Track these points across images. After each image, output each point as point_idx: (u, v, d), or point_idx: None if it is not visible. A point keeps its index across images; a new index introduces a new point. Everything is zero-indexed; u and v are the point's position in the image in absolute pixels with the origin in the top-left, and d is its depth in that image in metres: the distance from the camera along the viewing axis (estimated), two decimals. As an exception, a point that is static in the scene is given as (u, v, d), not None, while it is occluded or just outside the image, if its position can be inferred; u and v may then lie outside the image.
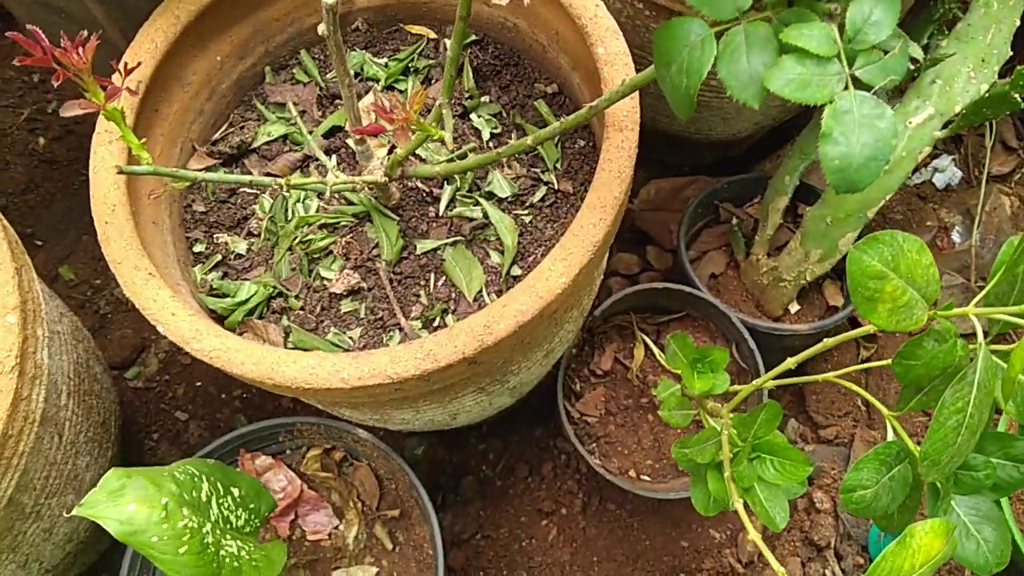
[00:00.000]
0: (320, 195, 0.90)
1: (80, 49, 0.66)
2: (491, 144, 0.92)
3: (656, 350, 1.04)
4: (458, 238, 0.86)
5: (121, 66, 0.70)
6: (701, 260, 1.13)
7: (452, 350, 0.70)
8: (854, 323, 1.17)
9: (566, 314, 0.82)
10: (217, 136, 0.92)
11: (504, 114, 0.94)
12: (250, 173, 0.91)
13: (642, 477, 0.99)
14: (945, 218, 1.24)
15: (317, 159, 0.91)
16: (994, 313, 0.57)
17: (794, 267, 1.04)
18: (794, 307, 1.08)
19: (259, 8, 0.90)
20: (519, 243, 0.86)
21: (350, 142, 0.90)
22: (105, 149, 0.79)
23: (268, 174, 0.90)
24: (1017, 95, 0.86)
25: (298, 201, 0.89)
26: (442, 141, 0.88)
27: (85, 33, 0.65)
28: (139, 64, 0.77)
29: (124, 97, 0.79)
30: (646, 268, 1.27)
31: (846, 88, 0.50)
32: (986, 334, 0.56)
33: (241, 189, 0.90)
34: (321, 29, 0.78)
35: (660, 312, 1.07)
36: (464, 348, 0.70)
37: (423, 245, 0.86)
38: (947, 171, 1.25)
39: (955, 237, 1.22)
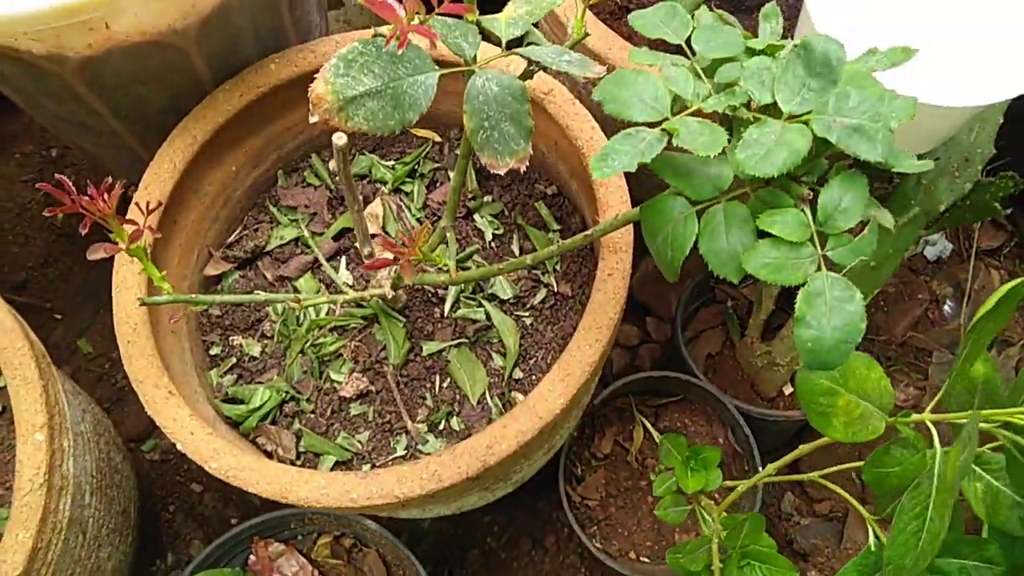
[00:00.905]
0: (330, 286, 0.94)
1: (105, 196, 0.70)
2: (493, 245, 0.96)
3: (655, 433, 1.08)
4: (462, 340, 0.90)
5: (144, 205, 0.75)
6: (698, 339, 1.17)
7: (456, 471, 0.74)
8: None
9: (566, 422, 0.85)
10: (232, 239, 0.97)
11: (506, 213, 0.98)
12: (264, 276, 0.95)
13: (642, 559, 1.03)
14: (937, 290, 1.28)
15: (330, 259, 0.96)
16: (949, 419, 0.61)
17: (787, 352, 1.08)
18: (788, 389, 1.11)
19: (271, 120, 0.94)
20: (520, 345, 0.90)
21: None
22: (127, 269, 0.83)
23: (281, 277, 0.95)
24: (996, 203, 0.90)
25: (311, 305, 0.93)
26: (436, 302, 0.92)
27: (110, 179, 0.70)
28: (159, 205, 0.82)
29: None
30: (645, 339, 1.30)
31: (819, 269, 0.54)
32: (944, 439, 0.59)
33: (254, 292, 0.94)
34: (332, 165, 0.83)
35: (658, 395, 1.11)
36: (467, 469, 0.74)
37: (429, 347, 0.90)
38: (938, 244, 1.29)
39: (947, 310, 1.26)
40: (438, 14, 0.53)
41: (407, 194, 0.99)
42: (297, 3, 0.95)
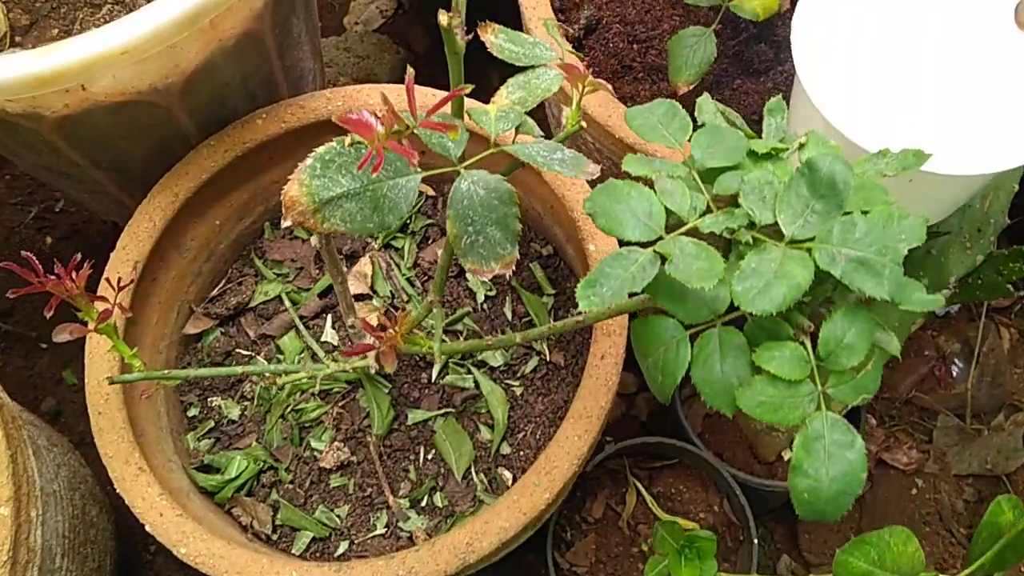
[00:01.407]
0: (313, 356, 0.91)
1: (73, 275, 0.67)
2: (485, 307, 0.93)
3: (648, 497, 1.05)
4: (449, 409, 0.87)
5: (114, 280, 0.71)
6: (696, 397, 1.14)
7: (434, 568, 0.70)
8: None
9: (552, 510, 0.82)
10: (215, 293, 0.93)
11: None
12: (246, 334, 0.92)
13: (629, 630, 1.00)
14: (944, 347, 1.24)
15: (315, 317, 0.92)
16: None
17: (787, 418, 1.04)
18: (787, 454, 1.08)
19: (258, 174, 0.91)
20: (509, 417, 0.87)
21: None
22: (99, 337, 0.79)
23: (264, 335, 0.91)
24: (1009, 284, 0.86)
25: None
26: (423, 367, 0.88)
27: (79, 257, 0.67)
28: (131, 281, 0.78)
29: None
30: (643, 388, 1.27)
31: (818, 408, 0.50)
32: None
33: (236, 351, 0.91)
34: (314, 242, 0.79)
35: (653, 458, 1.08)
36: (446, 567, 0.70)
37: (414, 416, 0.87)
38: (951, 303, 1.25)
39: (954, 370, 1.22)
40: (419, 127, 0.49)
41: (397, 250, 0.95)
42: (287, 52, 0.91)
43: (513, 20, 0.88)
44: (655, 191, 0.54)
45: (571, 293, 0.93)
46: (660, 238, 0.52)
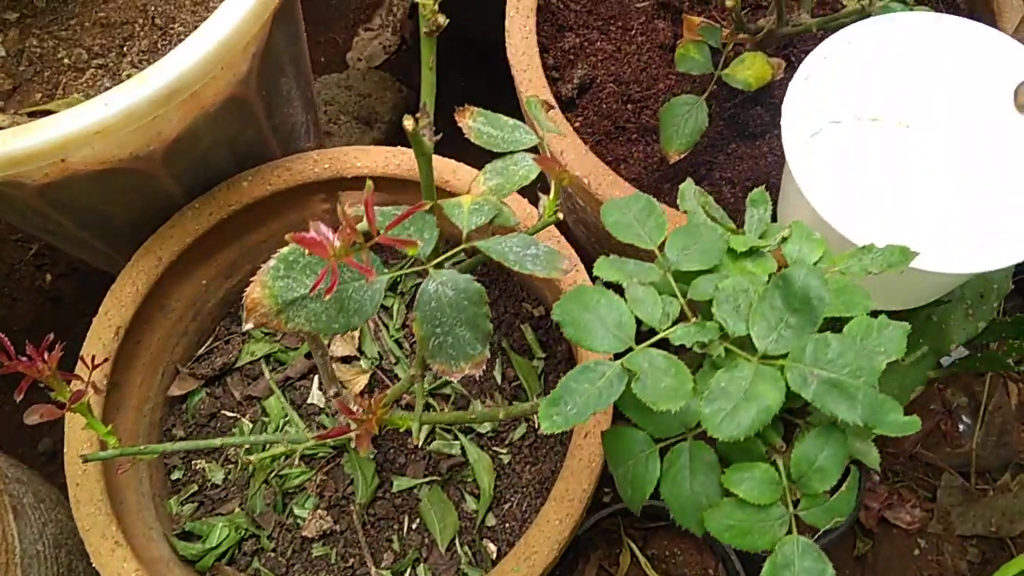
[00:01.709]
0: (299, 415, 0.90)
1: (45, 355, 0.66)
2: (474, 370, 0.91)
3: (643, 559, 1.03)
4: (435, 477, 0.86)
5: (96, 348, 0.71)
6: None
7: (408, 656, 0.69)
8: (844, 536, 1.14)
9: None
10: (201, 352, 0.93)
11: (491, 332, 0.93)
12: (232, 395, 0.91)
13: None
14: (951, 400, 1.21)
15: (302, 378, 0.91)
16: None
17: (784, 480, 1.02)
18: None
19: (245, 233, 0.90)
20: (496, 487, 0.85)
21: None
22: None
23: (250, 396, 0.90)
24: (1010, 359, 0.84)
25: (277, 429, 0.89)
26: (409, 432, 0.87)
27: (51, 337, 0.66)
28: (105, 359, 0.77)
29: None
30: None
31: (789, 532, 0.48)
32: None
33: (221, 412, 0.90)
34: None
35: (648, 518, 1.06)
36: (420, 654, 0.69)
37: (399, 483, 0.85)
38: (954, 351, 1.22)
39: (960, 425, 1.19)
40: (376, 244, 0.48)
41: (386, 310, 0.94)
42: (276, 111, 0.90)
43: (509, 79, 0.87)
44: (626, 298, 0.52)
45: (562, 356, 0.91)
46: (630, 349, 0.50)
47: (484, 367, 0.56)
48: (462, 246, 0.57)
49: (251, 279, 0.53)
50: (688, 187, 0.63)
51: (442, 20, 0.49)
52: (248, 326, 0.53)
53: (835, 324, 0.54)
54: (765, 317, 0.50)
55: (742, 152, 0.87)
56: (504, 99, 0.82)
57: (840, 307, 0.55)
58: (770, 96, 0.88)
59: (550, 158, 0.58)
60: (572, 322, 0.51)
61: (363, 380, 0.89)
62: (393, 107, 1.41)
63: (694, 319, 0.53)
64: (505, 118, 0.64)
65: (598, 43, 0.94)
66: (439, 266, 0.55)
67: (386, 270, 0.54)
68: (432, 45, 0.51)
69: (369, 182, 0.48)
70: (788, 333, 0.49)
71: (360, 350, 0.91)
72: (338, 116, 1.39)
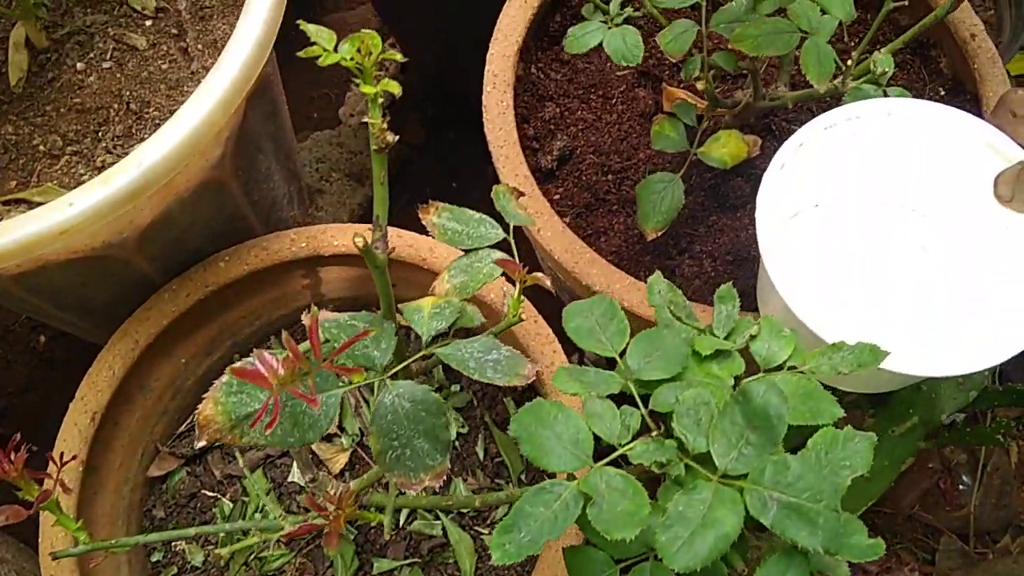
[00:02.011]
0: (280, 494, 0.89)
1: (12, 456, 0.66)
2: (457, 444, 0.90)
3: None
4: (415, 560, 0.84)
5: (57, 456, 0.70)
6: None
7: None
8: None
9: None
10: (182, 430, 0.92)
11: (475, 403, 0.92)
12: (212, 473, 0.90)
13: None
14: (950, 457, 1.19)
15: (283, 455, 0.91)
16: None
17: None
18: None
19: (225, 310, 0.89)
20: (477, 569, 0.84)
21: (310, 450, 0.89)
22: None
23: (231, 475, 0.90)
24: (999, 435, 0.82)
25: (257, 510, 0.88)
26: (381, 525, 0.86)
27: (18, 436, 0.65)
28: (74, 457, 0.77)
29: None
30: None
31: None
32: None
33: (201, 492, 0.89)
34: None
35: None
36: None
37: (380, 565, 0.84)
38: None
39: (959, 484, 1.17)
40: (322, 370, 0.47)
41: (367, 384, 0.93)
42: (255, 188, 0.90)
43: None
44: (584, 413, 0.51)
45: (545, 431, 0.90)
46: (589, 467, 0.49)
47: (445, 477, 0.55)
48: (421, 353, 0.56)
49: (204, 395, 0.52)
50: (656, 281, 0.62)
51: (391, 138, 0.48)
52: (201, 444, 0.52)
53: (801, 432, 0.53)
54: (726, 433, 0.49)
55: (723, 224, 0.86)
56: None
57: (806, 414, 0.53)
58: (751, 167, 0.87)
59: (511, 261, 0.57)
60: (528, 439, 0.50)
61: (343, 459, 0.89)
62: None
63: (656, 431, 0.52)
64: (471, 212, 0.63)
65: (579, 112, 0.94)
66: (396, 375, 0.54)
67: (340, 382, 0.53)
68: (382, 161, 0.50)
69: (314, 308, 0.47)
70: (749, 451, 0.48)
71: (341, 427, 0.90)
72: (330, 173, 1.39)
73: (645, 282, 0.80)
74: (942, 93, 0.89)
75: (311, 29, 0.46)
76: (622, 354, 0.55)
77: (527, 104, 0.93)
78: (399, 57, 0.47)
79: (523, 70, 0.94)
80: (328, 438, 0.90)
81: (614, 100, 0.94)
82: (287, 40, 1.52)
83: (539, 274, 0.58)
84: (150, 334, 0.83)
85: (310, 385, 0.46)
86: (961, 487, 1.18)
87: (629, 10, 0.72)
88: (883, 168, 0.71)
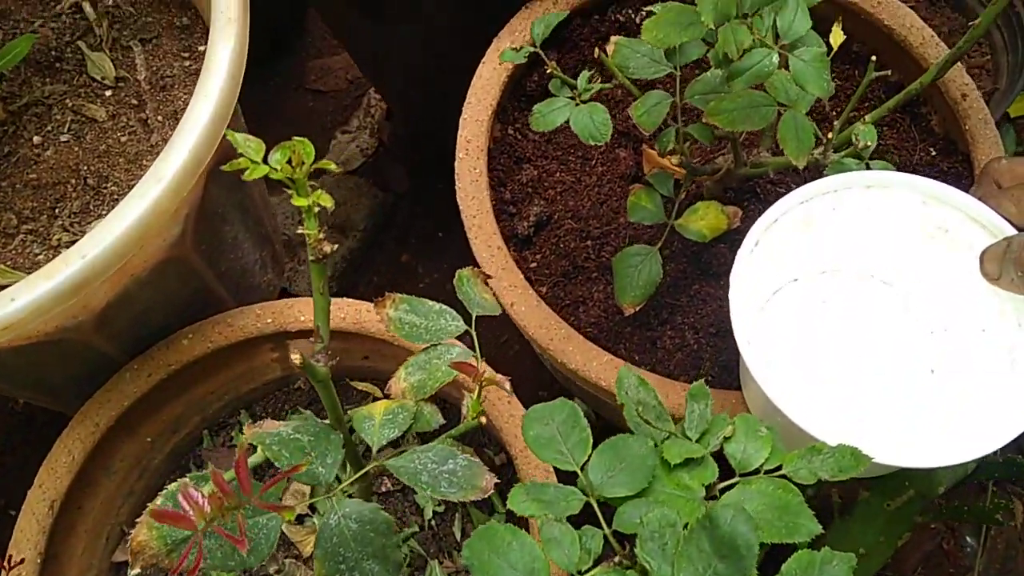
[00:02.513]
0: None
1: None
2: (433, 524, 0.87)
3: None
4: (389, 648, 0.81)
5: (14, 551, 0.67)
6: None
7: None
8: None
9: None
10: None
11: (452, 478, 0.89)
12: (180, 556, 0.86)
13: None
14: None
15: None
16: None
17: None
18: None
19: (191, 387, 0.86)
20: (453, 657, 0.80)
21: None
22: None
23: (198, 558, 0.86)
24: (998, 516, 0.78)
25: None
26: None
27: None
28: (22, 560, 0.74)
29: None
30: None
31: None
32: None
33: (169, 576, 0.86)
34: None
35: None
36: None
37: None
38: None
39: (964, 545, 1.13)
40: (249, 506, 0.44)
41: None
42: (221, 259, 0.87)
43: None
44: (541, 538, 0.48)
45: (525, 508, 0.86)
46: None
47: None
48: (370, 465, 0.53)
49: (137, 519, 0.49)
50: (625, 375, 0.59)
51: (328, 248, 0.45)
52: (134, 572, 0.49)
53: (777, 550, 0.50)
54: (692, 561, 0.45)
55: (705, 293, 0.83)
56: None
57: (782, 531, 0.50)
58: (735, 232, 0.84)
59: (467, 363, 0.54)
60: (480, 568, 0.47)
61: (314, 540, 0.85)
62: (369, 214, 1.38)
63: (621, 553, 0.49)
64: (431, 303, 0.60)
65: (557, 174, 0.90)
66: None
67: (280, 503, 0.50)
68: (320, 271, 0.47)
69: (241, 438, 0.44)
70: (716, 583, 0.45)
71: (312, 507, 0.87)
72: (312, 226, 1.35)
73: (624, 359, 0.77)
74: (933, 153, 0.86)
75: (238, 139, 0.43)
76: (584, 466, 0.51)
77: (504, 167, 0.90)
78: (334, 167, 0.43)
79: (500, 131, 0.91)
80: (300, 518, 0.87)
81: (594, 162, 0.91)
82: (264, 85, 1.50)
83: (499, 376, 0.55)
84: (111, 416, 0.80)
85: (239, 522, 0.43)
86: (966, 548, 1.13)
87: (598, 84, 0.69)
88: (863, 243, 0.68)
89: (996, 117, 1.14)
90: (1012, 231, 0.62)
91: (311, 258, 0.46)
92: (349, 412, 0.55)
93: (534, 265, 0.86)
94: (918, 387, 0.64)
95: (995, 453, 0.87)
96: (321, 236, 0.45)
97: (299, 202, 0.43)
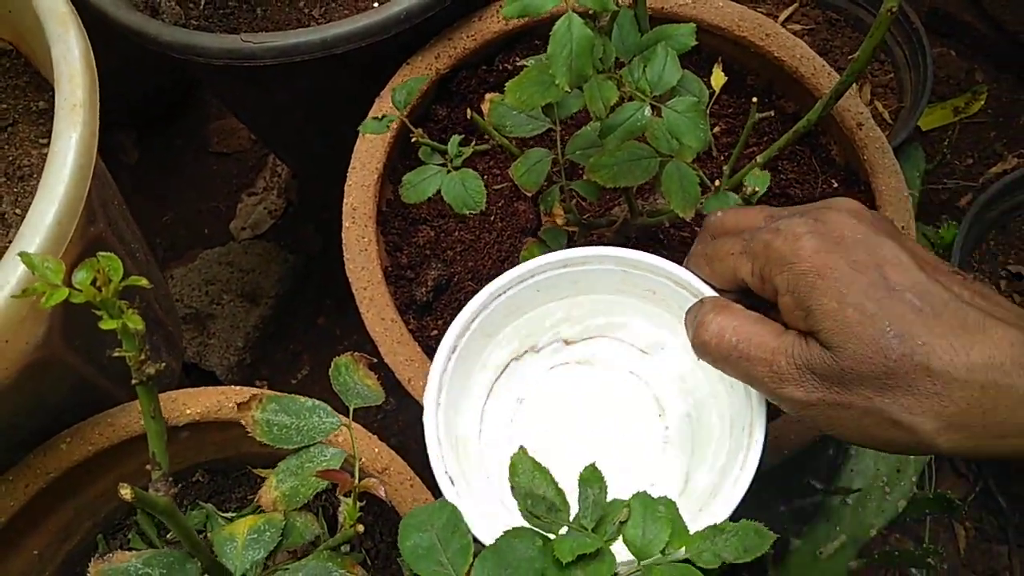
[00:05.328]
0: None
1: None
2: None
3: None
4: None
5: None
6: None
7: None
8: None
9: None
10: (43, 627, 0.82)
11: (368, 564, 0.84)
12: (77, 676, 0.80)
13: None
14: (896, 546, 1.12)
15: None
16: None
17: None
18: None
19: (79, 490, 0.80)
20: None
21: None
22: None
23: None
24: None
25: None
26: None
27: None
28: None
29: None
30: None
31: None
32: None
33: None
34: None
35: None
36: None
37: None
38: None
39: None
40: None
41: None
42: (102, 351, 0.81)
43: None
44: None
45: None
46: None
47: None
48: (235, 595, 0.48)
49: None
50: (520, 460, 0.55)
51: (151, 370, 0.41)
52: None
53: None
54: None
55: (614, 349, 0.79)
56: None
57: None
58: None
59: (338, 471, 0.49)
60: None
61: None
62: (279, 280, 1.33)
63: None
64: (303, 400, 0.56)
65: (455, 233, 0.87)
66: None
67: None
68: (148, 393, 0.42)
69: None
70: None
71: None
72: (220, 296, 1.31)
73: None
74: (835, 185, 0.83)
75: (34, 261, 0.38)
76: (466, 577, 0.47)
77: (399, 230, 0.86)
78: (145, 283, 0.39)
79: (393, 193, 0.87)
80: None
81: (492, 217, 0.87)
82: (168, 147, 1.45)
83: (372, 481, 0.50)
84: (-14, 531, 0.74)
85: None
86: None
87: (472, 147, 0.65)
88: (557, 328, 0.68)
89: (904, 134, 1.13)
90: (710, 292, 0.59)
91: (134, 381, 0.42)
92: (210, 535, 0.50)
93: (435, 333, 0.82)
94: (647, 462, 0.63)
95: (925, 489, 0.84)
96: (143, 357, 0.41)
97: (108, 325, 0.39)
